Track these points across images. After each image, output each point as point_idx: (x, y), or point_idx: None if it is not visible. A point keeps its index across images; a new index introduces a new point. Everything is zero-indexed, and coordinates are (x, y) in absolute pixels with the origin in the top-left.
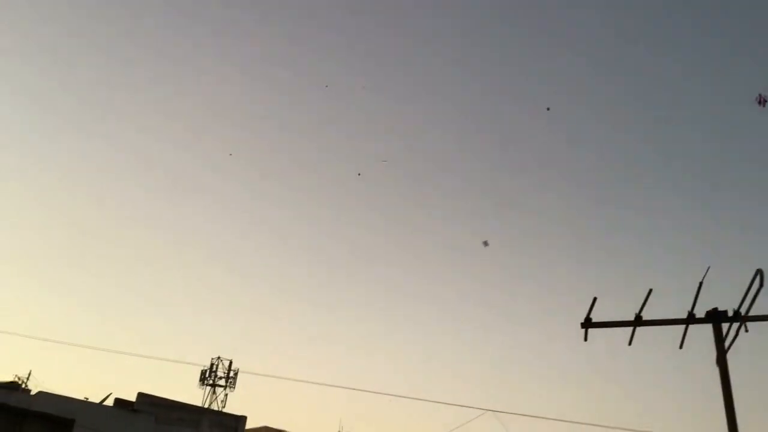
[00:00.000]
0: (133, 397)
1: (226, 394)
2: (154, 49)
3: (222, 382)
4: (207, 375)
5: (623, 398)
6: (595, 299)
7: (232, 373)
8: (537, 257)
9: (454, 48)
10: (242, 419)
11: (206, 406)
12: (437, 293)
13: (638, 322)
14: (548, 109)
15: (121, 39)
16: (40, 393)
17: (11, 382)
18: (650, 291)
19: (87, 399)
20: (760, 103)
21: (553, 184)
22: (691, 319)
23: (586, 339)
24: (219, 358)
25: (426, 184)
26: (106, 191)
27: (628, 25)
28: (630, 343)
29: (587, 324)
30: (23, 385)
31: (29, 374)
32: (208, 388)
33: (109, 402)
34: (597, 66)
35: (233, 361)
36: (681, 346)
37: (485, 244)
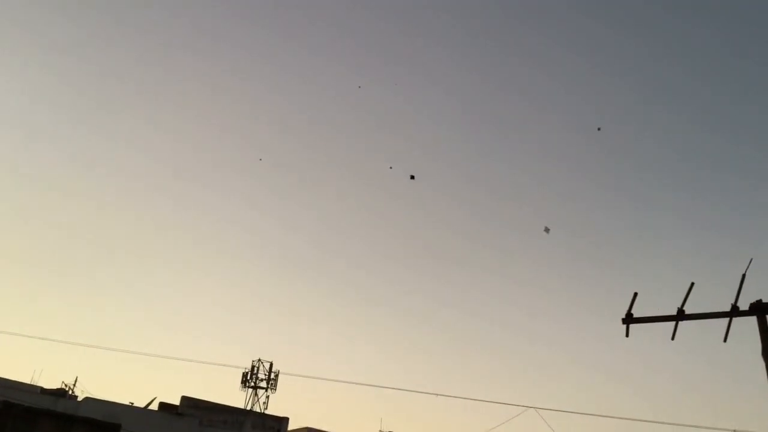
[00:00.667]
0: (177, 401)
1: (268, 396)
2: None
3: (263, 384)
4: (248, 377)
5: (666, 393)
6: (635, 294)
7: (273, 375)
8: (577, 254)
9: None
10: (285, 420)
11: (248, 408)
12: (475, 291)
13: (681, 316)
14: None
15: (150, 35)
16: (86, 399)
17: (58, 389)
18: (692, 284)
19: (132, 404)
20: None
21: (592, 177)
22: (734, 312)
23: (627, 335)
24: (260, 360)
25: (458, 183)
26: (141, 194)
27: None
28: (673, 338)
29: (629, 320)
30: (70, 392)
31: (75, 381)
32: (250, 390)
33: (154, 406)
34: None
35: (274, 363)
36: (725, 340)
37: (546, 230)
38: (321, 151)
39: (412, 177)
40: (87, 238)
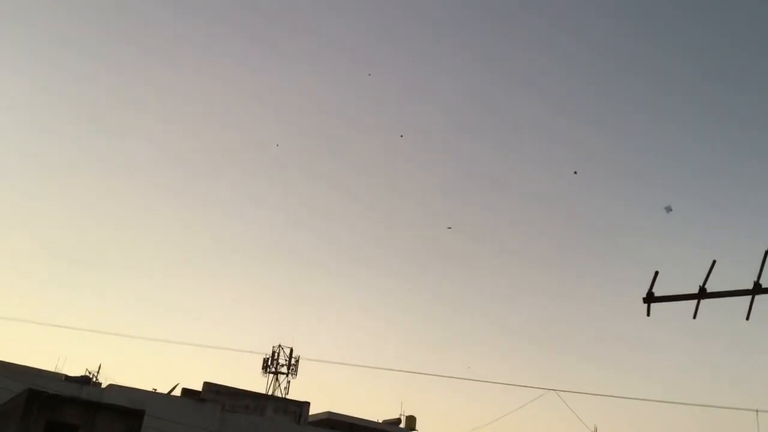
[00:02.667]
0: (199, 387)
1: (289, 381)
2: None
3: (284, 369)
4: (269, 363)
5: (688, 373)
6: (656, 273)
7: (293, 361)
8: (596, 233)
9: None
10: (306, 405)
11: (270, 393)
12: (490, 274)
13: (702, 294)
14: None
15: (179, 40)
16: (110, 386)
17: (83, 376)
18: (714, 262)
19: (156, 390)
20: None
21: (613, 159)
22: (757, 290)
23: (648, 314)
24: (280, 345)
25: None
26: (161, 187)
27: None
28: (695, 317)
29: (650, 299)
30: (94, 379)
31: (99, 368)
32: (271, 375)
33: (177, 392)
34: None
35: (294, 348)
36: (747, 318)
37: (669, 209)
38: (338, 143)
39: (575, 172)
40: (108, 229)
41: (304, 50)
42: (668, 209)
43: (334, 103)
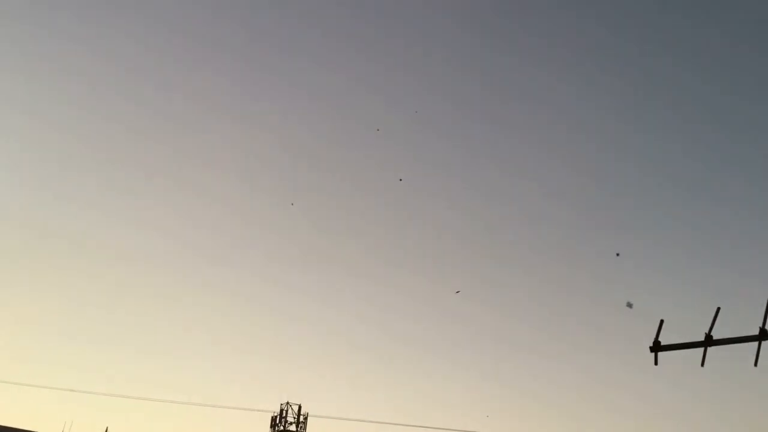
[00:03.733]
0: None
1: None
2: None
3: (293, 427)
4: (277, 421)
5: (698, 420)
6: (662, 321)
7: (302, 418)
8: (598, 283)
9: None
10: None
11: None
12: (497, 333)
13: (709, 342)
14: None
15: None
16: None
17: None
18: (718, 309)
19: None
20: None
21: (611, 197)
22: (763, 336)
23: (656, 363)
24: (288, 403)
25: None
26: (160, 244)
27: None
28: (702, 364)
29: (656, 347)
30: None
31: (106, 431)
32: None
33: None
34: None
35: (302, 405)
36: (756, 364)
37: (629, 305)
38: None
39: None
40: (111, 289)
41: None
42: (629, 305)
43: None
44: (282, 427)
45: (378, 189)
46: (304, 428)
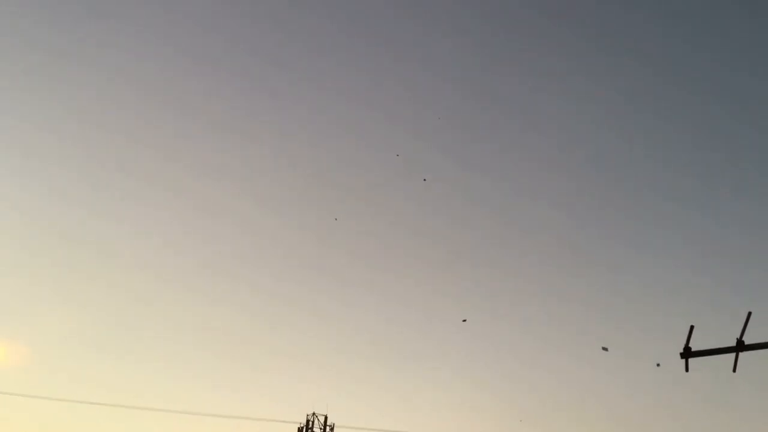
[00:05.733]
0: None
1: None
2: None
3: None
4: None
5: (729, 428)
6: (692, 327)
7: (328, 429)
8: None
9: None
10: None
11: None
12: (526, 338)
13: (740, 347)
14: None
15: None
16: None
17: None
18: (750, 314)
19: None
20: None
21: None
22: None
23: (687, 369)
24: (314, 414)
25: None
26: (182, 263)
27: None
28: (734, 370)
29: (687, 353)
30: None
31: None
32: None
33: None
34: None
35: (329, 416)
36: None
37: (605, 349)
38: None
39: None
40: (131, 298)
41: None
42: (605, 349)
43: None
44: None
45: (404, 194)
46: None
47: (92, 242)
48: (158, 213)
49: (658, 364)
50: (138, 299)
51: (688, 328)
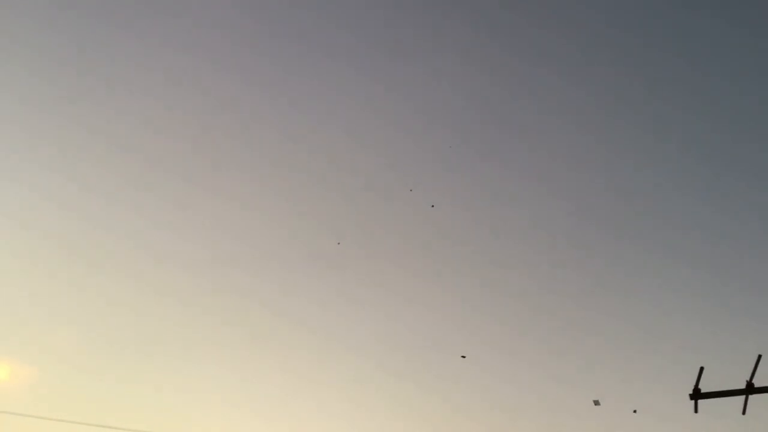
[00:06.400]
0: None
1: None
2: None
3: None
4: None
5: None
6: (701, 369)
7: None
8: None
9: None
10: None
11: None
12: (545, 370)
13: (750, 389)
14: None
15: None
16: None
17: None
18: (759, 357)
19: None
20: None
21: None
22: None
23: (696, 411)
24: None
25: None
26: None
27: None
28: (744, 412)
29: (696, 395)
30: None
31: None
32: None
33: None
34: None
35: None
36: None
37: (596, 403)
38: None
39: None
40: (164, 316)
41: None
42: (596, 403)
43: None
44: None
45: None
46: None
47: (102, 256)
48: (172, 227)
49: (635, 411)
50: (154, 316)
51: (697, 370)
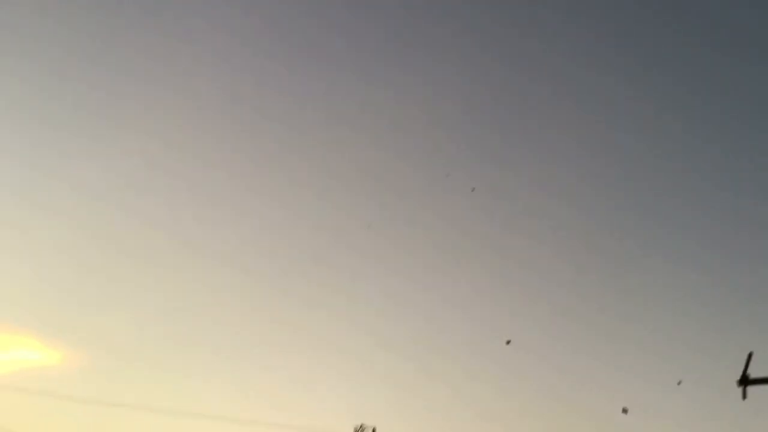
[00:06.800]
0: None
1: None
2: None
3: None
4: None
5: None
6: (750, 354)
7: None
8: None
9: None
10: None
11: None
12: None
13: None
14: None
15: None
16: None
17: None
18: None
19: None
20: None
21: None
22: None
23: (744, 397)
24: (362, 426)
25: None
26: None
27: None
28: None
29: (745, 381)
30: None
31: None
32: None
33: None
34: None
35: (377, 427)
36: None
37: (624, 411)
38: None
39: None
40: (187, 311)
41: None
42: (625, 410)
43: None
44: None
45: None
46: None
47: (154, 241)
48: (239, 210)
49: (624, 410)
50: (211, 297)
51: (745, 355)
